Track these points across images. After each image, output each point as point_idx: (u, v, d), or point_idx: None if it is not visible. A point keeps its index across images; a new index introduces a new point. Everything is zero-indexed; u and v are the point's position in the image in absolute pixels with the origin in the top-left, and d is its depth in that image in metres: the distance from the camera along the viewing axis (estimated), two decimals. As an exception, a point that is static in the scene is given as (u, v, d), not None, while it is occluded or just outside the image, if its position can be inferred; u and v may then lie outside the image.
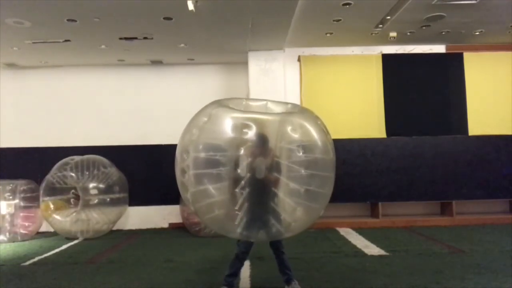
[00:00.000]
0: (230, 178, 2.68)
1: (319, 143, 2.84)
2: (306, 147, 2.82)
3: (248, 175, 2.65)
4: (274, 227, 2.75)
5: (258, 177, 2.67)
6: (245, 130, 2.71)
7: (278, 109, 3.18)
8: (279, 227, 2.77)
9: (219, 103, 2.97)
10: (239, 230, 2.73)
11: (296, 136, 2.82)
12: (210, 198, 2.72)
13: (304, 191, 2.78)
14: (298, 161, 2.78)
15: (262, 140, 2.77)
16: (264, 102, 3.27)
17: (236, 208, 2.66)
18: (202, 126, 2.80)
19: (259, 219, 2.73)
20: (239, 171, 2.66)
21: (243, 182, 2.65)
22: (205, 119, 2.82)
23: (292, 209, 2.82)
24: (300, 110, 3.11)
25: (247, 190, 2.64)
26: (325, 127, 3.02)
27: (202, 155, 2.73)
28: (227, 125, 2.81)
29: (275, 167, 2.73)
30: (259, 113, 3.01)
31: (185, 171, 2.75)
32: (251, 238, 2.98)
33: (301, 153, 2.80)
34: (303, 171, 2.77)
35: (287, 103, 3.26)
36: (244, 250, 3.39)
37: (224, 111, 2.85)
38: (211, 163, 2.69)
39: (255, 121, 2.77)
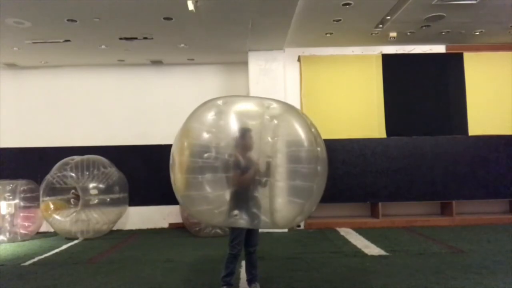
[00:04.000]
0: (221, 169, 2.82)
1: (306, 139, 2.90)
2: (294, 142, 2.91)
3: (238, 165, 2.83)
4: (260, 217, 2.86)
5: (246, 169, 2.83)
6: (238, 126, 2.87)
7: (265, 105, 3.18)
8: (265, 218, 2.86)
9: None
10: (226, 216, 2.84)
11: (283, 131, 2.90)
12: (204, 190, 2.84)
13: (291, 185, 2.88)
14: (285, 155, 2.87)
15: (249, 134, 2.90)
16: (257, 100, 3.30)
17: (223, 193, 2.81)
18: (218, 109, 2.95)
19: (246, 208, 2.84)
20: (230, 162, 2.81)
21: (233, 171, 2.81)
22: (220, 103, 2.98)
23: (280, 202, 2.90)
24: (287, 107, 3.15)
25: (236, 179, 2.83)
26: (313, 125, 3.07)
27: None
28: (231, 119, 2.92)
29: (266, 161, 2.84)
30: (249, 108, 3.11)
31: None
32: (237, 224, 3.03)
33: (289, 148, 2.89)
34: (290, 165, 2.86)
35: (273, 100, 3.25)
36: (240, 249, 3.42)
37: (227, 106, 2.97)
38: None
39: (244, 116, 2.91)
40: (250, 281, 3.53)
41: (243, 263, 4.19)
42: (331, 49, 6.94)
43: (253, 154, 2.86)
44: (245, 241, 3.45)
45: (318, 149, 2.93)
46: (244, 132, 2.91)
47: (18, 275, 4.33)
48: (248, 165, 2.85)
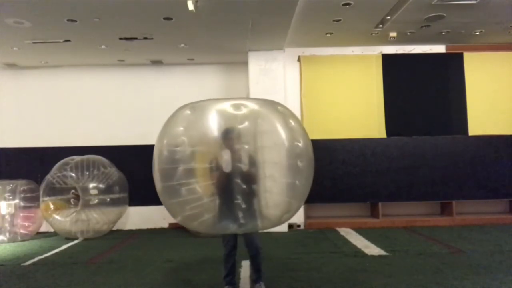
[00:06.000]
0: (204, 172, 2.74)
1: (284, 134, 2.84)
2: (272, 139, 2.83)
3: (220, 168, 2.70)
4: (249, 219, 2.75)
5: (227, 171, 2.69)
6: (218, 124, 2.79)
7: (249, 104, 3.09)
8: (253, 219, 2.78)
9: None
10: (214, 223, 2.76)
11: (267, 129, 2.83)
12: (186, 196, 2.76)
13: (278, 184, 2.82)
14: (270, 154, 2.81)
15: (232, 134, 2.78)
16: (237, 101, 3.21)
17: (209, 200, 2.71)
18: (187, 120, 2.95)
19: (233, 212, 2.70)
20: (212, 165, 2.72)
21: (214, 175, 2.72)
22: (188, 112, 2.94)
23: (267, 201, 2.85)
24: (261, 103, 3.06)
25: (218, 183, 2.71)
26: (294, 117, 3.01)
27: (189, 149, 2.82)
28: (207, 120, 2.86)
29: (248, 160, 2.75)
30: (230, 108, 2.97)
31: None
32: (226, 231, 2.98)
33: (273, 146, 2.82)
34: (276, 164, 2.80)
35: (245, 99, 3.18)
36: (232, 246, 3.43)
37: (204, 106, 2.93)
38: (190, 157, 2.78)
39: (225, 115, 2.82)
40: (253, 281, 3.56)
41: (243, 263, 4.20)
42: (331, 49, 6.94)
43: (233, 154, 2.73)
44: (245, 244, 3.45)
45: (298, 144, 2.82)
46: (226, 133, 2.77)
47: (18, 275, 4.33)
48: (226, 166, 2.70)
